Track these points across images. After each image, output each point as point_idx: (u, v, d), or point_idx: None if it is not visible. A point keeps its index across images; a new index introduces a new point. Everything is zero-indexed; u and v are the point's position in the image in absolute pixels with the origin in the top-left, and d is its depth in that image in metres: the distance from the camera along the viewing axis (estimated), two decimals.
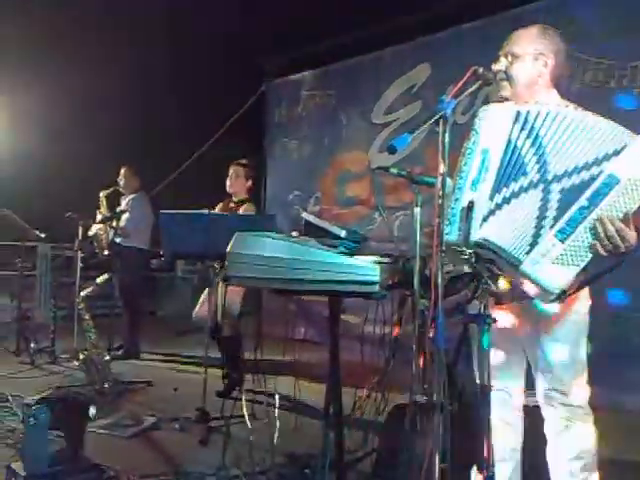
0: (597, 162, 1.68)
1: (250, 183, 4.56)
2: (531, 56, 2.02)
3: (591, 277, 1.80)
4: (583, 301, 2.05)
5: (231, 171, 4.52)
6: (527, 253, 1.71)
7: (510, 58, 2.03)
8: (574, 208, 1.69)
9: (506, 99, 2.07)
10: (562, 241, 1.69)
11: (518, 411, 2.24)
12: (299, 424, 3.05)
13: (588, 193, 1.68)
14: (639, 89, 4.35)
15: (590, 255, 1.70)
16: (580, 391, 2.07)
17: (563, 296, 1.74)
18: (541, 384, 2.11)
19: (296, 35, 7.07)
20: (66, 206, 5.55)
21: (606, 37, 4.48)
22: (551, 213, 1.70)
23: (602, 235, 1.66)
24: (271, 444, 2.77)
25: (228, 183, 4.51)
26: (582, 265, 1.71)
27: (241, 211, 4.39)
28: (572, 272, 1.70)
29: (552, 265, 1.69)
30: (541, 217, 1.71)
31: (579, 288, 1.81)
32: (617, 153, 1.68)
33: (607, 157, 1.68)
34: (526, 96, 2.05)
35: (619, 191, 1.67)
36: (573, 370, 2.06)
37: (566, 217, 1.69)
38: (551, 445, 2.12)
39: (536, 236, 1.71)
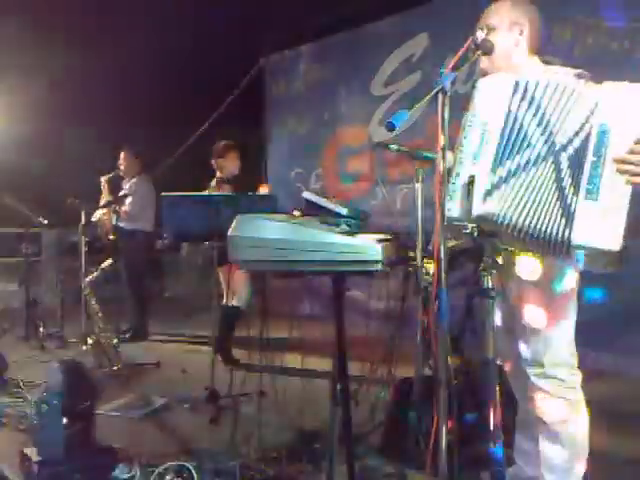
0: (587, 121, 1.66)
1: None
2: (506, 25, 2.06)
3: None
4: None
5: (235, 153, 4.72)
6: (570, 228, 1.66)
7: (486, 30, 2.07)
8: (587, 167, 1.65)
9: (485, 72, 2.07)
10: (596, 199, 1.64)
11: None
12: (307, 400, 3.08)
13: (591, 148, 1.65)
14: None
15: (629, 192, 1.64)
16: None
17: (625, 252, 1.66)
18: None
19: (294, 9, 6.92)
20: (69, 190, 5.53)
21: None
22: (568, 182, 1.67)
23: (632, 168, 1.61)
24: (280, 421, 2.80)
25: (237, 164, 4.69)
26: (627, 205, 1.64)
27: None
28: (621, 218, 1.64)
29: (602, 224, 1.63)
30: (562, 190, 1.67)
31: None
32: (597, 105, 1.66)
33: (592, 112, 1.65)
34: (504, 67, 2.06)
35: (616, 129, 1.64)
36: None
37: (584, 178, 1.65)
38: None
39: (568, 209, 1.66)
